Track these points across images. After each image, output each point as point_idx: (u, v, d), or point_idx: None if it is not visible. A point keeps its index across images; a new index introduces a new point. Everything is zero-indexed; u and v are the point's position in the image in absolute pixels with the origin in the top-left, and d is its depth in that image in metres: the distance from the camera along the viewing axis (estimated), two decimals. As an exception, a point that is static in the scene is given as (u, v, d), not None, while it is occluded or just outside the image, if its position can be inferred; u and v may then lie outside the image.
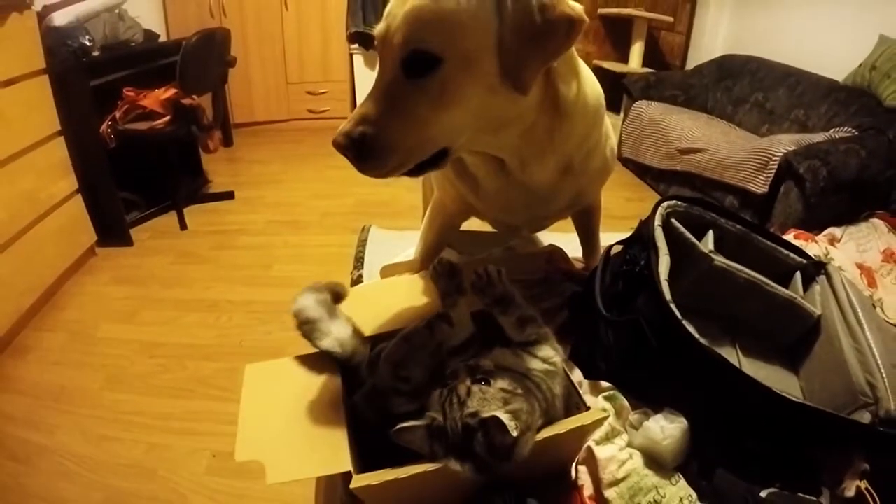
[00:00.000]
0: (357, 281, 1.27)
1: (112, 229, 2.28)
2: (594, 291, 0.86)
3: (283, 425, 0.65)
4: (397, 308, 0.84)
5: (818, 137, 2.20)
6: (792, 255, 0.96)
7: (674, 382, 0.75)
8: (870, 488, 0.69)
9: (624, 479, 0.72)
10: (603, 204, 1.05)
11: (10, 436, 1.39)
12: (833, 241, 1.47)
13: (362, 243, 1.47)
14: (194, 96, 2.62)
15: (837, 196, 1.93)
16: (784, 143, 2.18)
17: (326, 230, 2.58)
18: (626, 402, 0.80)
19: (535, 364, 0.63)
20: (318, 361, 0.74)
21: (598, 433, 0.74)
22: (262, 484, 0.55)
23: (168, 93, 2.60)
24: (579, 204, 0.97)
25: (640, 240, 0.85)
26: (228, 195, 2.82)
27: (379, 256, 1.38)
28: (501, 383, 0.56)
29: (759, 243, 0.95)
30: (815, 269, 0.95)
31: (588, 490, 0.75)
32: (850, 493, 0.73)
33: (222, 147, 3.55)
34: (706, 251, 0.86)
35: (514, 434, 0.52)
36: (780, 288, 0.88)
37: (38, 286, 1.89)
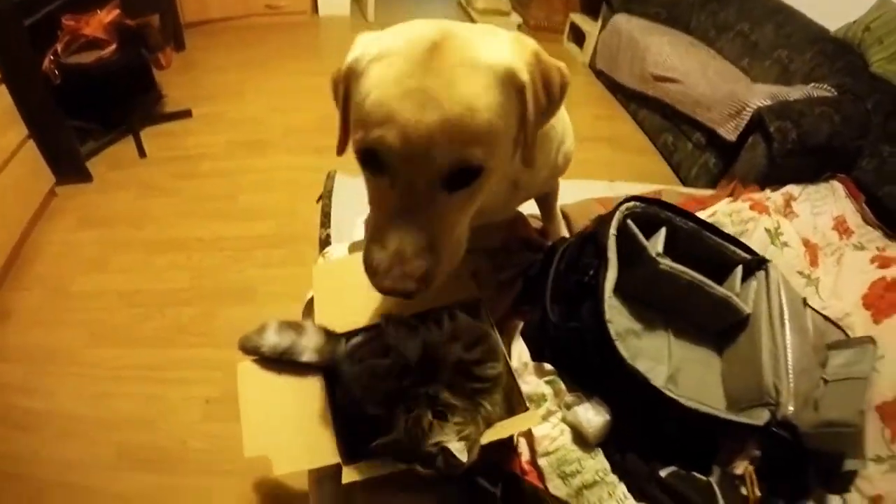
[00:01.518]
0: (325, 241, 1.26)
1: (69, 166, 2.14)
2: (545, 289, 0.90)
3: (280, 422, 0.75)
4: (365, 295, 0.87)
5: (795, 94, 2.17)
6: (738, 251, 1.02)
7: (606, 383, 0.83)
8: (752, 473, 0.82)
9: (554, 452, 0.84)
10: (572, 124, 0.95)
11: (12, 406, 1.41)
12: (790, 200, 1.52)
13: (328, 194, 1.42)
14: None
15: (804, 159, 1.95)
16: (760, 96, 2.15)
17: (291, 150, 2.47)
18: (563, 386, 0.90)
19: (481, 385, 0.69)
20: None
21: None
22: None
23: (111, 15, 2.29)
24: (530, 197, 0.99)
25: (595, 242, 0.88)
26: (186, 113, 2.62)
27: (346, 209, 1.34)
28: (456, 418, 0.65)
29: (708, 239, 1.00)
30: (757, 265, 1.02)
31: (525, 456, 0.88)
32: (739, 471, 0.87)
33: (175, 53, 3.22)
34: (654, 255, 0.90)
35: (465, 459, 0.60)
36: (717, 287, 0.95)
37: (6, 243, 1.81)
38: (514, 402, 0.80)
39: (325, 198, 1.43)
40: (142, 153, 2.36)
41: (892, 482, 0.85)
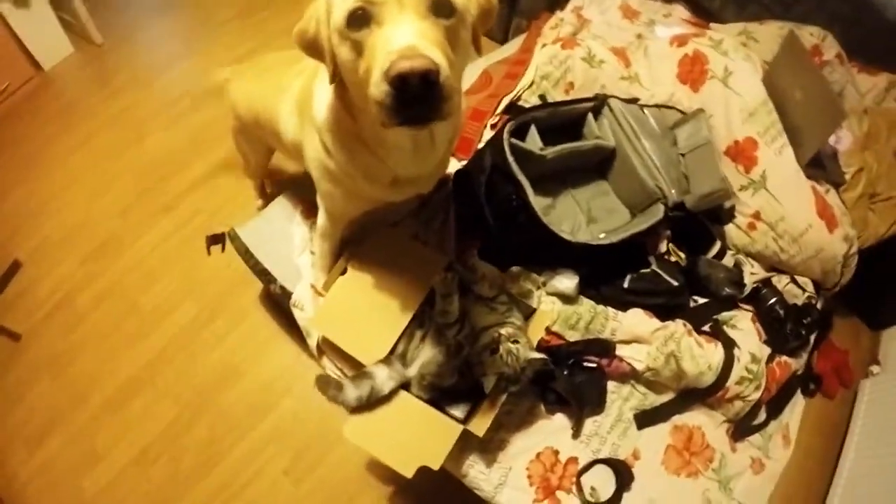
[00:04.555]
0: (283, 294, 1.30)
1: None
2: (483, 218, 1.13)
3: (403, 437, 0.97)
4: (380, 309, 1.06)
5: None
6: (583, 104, 1.29)
7: (556, 254, 1.12)
8: (672, 246, 1.20)
9: (557, 317, 1.14)
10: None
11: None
12: (579, 11, 1.75)
13: (246, 252, 1.37)
14: None
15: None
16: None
17: (143, 226, 2.09)
18: (533, 275, 1.17)
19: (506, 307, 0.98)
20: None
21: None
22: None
23: None
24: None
25: (502, 171, 1.10)
26: (15, 266, 2.09)
27: (273, 248, 1.34)
28: (522, 339, 0.95)
29: (562, 111, 1.26)
30: (600, 104, 1.30)
31: (543, 331, 1.19)
32: (663, 249, 1.25)
33: None
34: (538, 151, 1.15)
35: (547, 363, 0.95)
36: (586, 142, 1.24)
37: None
38: (524, 310, 1.08)
39: (246, 257, 1.39)
40: (15, 337, 1.94)
41: (758, 199, 1.26)
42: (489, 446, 1.06)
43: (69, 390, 1.71)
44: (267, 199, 1.76)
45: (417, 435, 0.98)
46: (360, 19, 0.64)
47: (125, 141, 2.18)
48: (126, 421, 1.63)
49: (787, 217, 1.24)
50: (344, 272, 1.14)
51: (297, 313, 1.20)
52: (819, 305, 1.29)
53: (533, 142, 1.18)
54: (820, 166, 1.34)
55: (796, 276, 1.29)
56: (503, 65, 1.56)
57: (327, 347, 1.15)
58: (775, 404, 1.19)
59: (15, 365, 1.73)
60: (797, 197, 1.26)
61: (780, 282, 1.28)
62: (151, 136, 2.21)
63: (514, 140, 1.13)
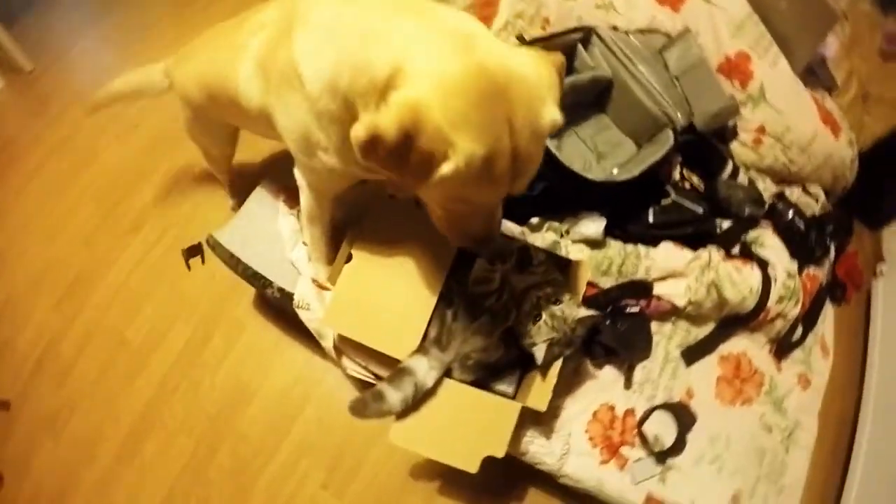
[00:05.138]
0: (284, 296, 1.15)
1: None
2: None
3: (463, 431, 0.88)
4: (400, 292, 0.94)
5: None
6: (571, 35, 1.19)
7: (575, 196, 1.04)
8: (686, 171, 1.14)
9: (588, 265, 1.06)
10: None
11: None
12: None
13: (231, 259, 1.16)
14: None
15: None
16: None
17: (112, 254, 1.88)
18: (554, 223, 1.09)
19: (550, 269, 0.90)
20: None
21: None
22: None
23: None
24: None
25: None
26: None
27: (260, 247, 1.19)
28: (565, 296, 0.86)
29: (549, 46, 1.15)
30: (587, 34, 1.20)
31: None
32: (677, 176, 1.18)
33: None
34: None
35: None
36: (582, 75, 1.14)
37: None
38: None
39: (235, 267, 1.22)
40: (4, 406, 1.61)
41: (760, 113, 1.20)
42: (544, 417, 0.98)
43: (74, 450, 1.51)
44: (240, 196, 1.56)
45: (473, 424, 0.88)
46: None
47: (76, 165, 1.93)
48: (142, 468, 1.46)
49: (792, 128, 1.21)
50: (349, 259, 1.00)
51: (303, 315, 1.06)
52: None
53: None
54: (812, 74, 1.31)
55: (807, 186, 1.26)
56: (471, 9, 1.43)
57: (346, 346, 1.02)
58: (810, 317, 1.17)
59: (11, 435, 1.53)
60: (799, 106, 1.22)
61: (793, 194, 1.25)
62: (103, 155, 1.95)
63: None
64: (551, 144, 1.05)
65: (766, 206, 1.20)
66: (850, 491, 1.13)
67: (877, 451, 1.16)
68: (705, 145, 1.18)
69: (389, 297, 0.95)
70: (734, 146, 1.27)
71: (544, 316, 0.84)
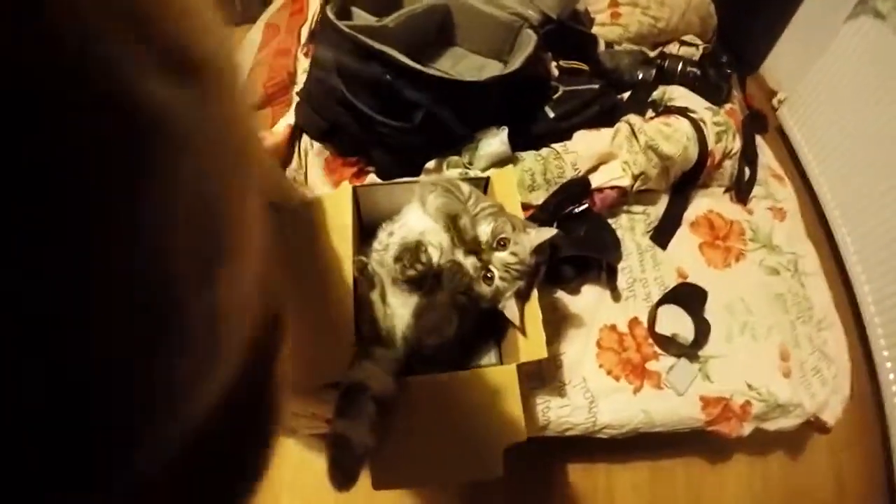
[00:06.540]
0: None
1: None
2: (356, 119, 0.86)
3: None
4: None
5: None
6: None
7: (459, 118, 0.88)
8: (560, 61, 1.03)
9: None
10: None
11: None
12: None
13: None
14: None
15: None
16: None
17: None
18: (451, 157, 0.92)
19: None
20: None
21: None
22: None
23: None
24: None
25: (348, 64, 0.83)
26: None
27: None
28: (507, 226, 0.68)
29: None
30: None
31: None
32: (556, 72, 1.07)
33: None
34: (377, 24, 0.90)
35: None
36: (416, 8, 1.01)
37: None
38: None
39: None
40: None
41: None
42: (547, 375, 0.78)
43: None
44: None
45: (469, 418, 0.65)
46: None
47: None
48: None
49: (640, -15, 1.15)
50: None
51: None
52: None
53: (363, 19, 0.92)
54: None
55: (682, 39, 1.21)
56: (283, 9, 1.28)
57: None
58: (749, 152, 1.09)
59: None
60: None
61: (673, 49, 1.19)
62: None
63: (346, 23, 0.86)
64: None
65: (656, 67, 1.12)
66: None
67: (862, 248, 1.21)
68: (569, 31, 1.09)
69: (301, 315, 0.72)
70: (596, 30, 1.19)
71: (494, 273, 0.66)
